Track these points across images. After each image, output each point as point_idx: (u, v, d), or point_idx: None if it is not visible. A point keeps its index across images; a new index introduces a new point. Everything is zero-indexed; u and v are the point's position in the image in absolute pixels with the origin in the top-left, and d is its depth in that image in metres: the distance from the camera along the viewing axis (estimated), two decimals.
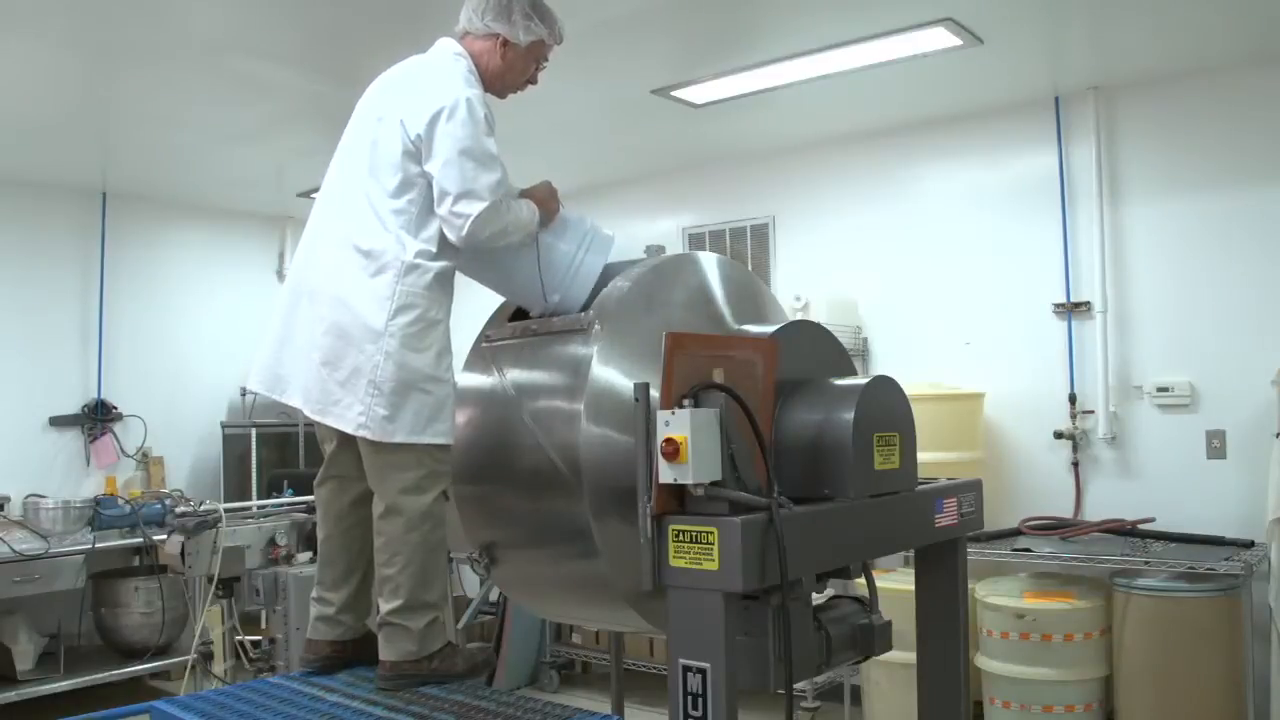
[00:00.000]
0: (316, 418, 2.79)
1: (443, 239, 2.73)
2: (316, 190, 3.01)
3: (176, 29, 4.24)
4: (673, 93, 5.15)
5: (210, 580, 4.33)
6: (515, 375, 2.73)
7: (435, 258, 2.73)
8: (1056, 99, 5.34)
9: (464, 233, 2.65)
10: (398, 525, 2.75)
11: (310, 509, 4.78)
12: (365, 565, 2.97)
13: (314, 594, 3.04)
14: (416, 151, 2.70)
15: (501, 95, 2.96)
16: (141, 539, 5.60)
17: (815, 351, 2.69)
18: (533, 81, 2.99)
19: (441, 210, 2.67)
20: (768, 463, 2.15)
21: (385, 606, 2.78)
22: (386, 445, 2.72)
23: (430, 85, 2.75)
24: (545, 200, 2.84)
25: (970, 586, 3.30)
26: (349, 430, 2.74)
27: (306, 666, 3.01)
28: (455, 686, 2.77)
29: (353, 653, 3.00)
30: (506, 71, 2.89)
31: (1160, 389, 5.01)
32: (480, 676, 2.90)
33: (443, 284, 2.76)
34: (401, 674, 2.77)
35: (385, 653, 2.78)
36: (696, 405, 2.04)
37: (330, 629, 3.00)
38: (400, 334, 2.68)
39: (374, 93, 2.91)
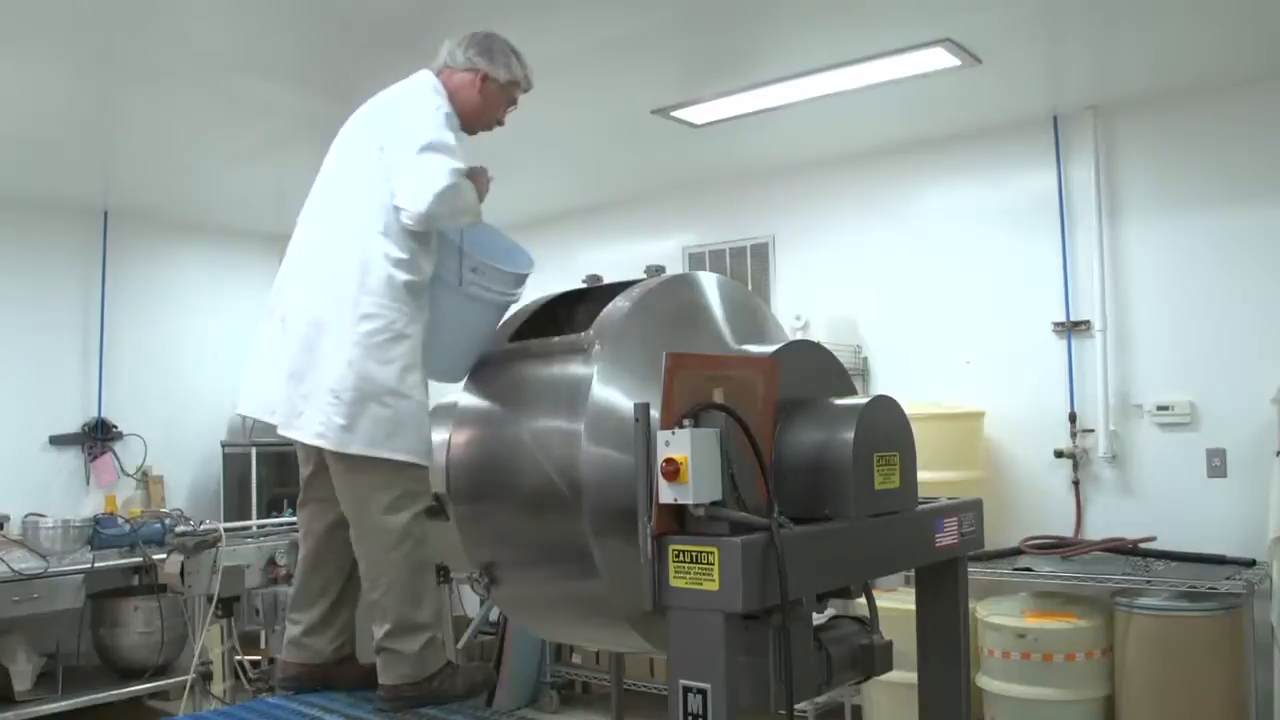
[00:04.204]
0: (283, 431, 2.81)
1: (416, 252, 2.75)
2: None
3: (178, 48, 4.26)
4: (673, 113, 5.17)
5: (210, 600, 4.31)
6: (515, 395, 2.73)
7: (406, 268, 2.74)
8: (1055, 118, 5.36)
9: (423, 209, 2.67)
10: (374, 546, 2.76)
11: None
12: (337, 591, 2.98)
13: (288, 614, 3.06)
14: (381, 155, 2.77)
15: (471, 132, 3.02)
16: (141, 558, 5.58)
17: (815, 371, 2.69)
18: (500, 123, 3.08)
19: (401, 191, 2.70)
20: (768, 483, 2.15)
21: (376, 633, 2.78)
22: (358, 465, 2.72)
23: (406, 113, 2.82)
24: (481, 187, 2.90)
25: (971, 606, 3.29)
26: (308, 440, 2.75)
27: (279, 685, 3.02)
28: (455, 707, 2.77)
29: (322, 676, 3.00)
30: (484, 106, 2.97)
31: (1160, 407, 5.01)
32: (481, 696, 2.89)
33: (415, 296, 2.77)
34: (400, 696, 2.77)
35: (383, 677, 2.78)
36: (697, 425, 2.04)
37: (296, 652, 3.00)
38: (363, 343, 2.69)
39: (353, 123, 2.97)
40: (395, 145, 2.75)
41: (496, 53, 2.95)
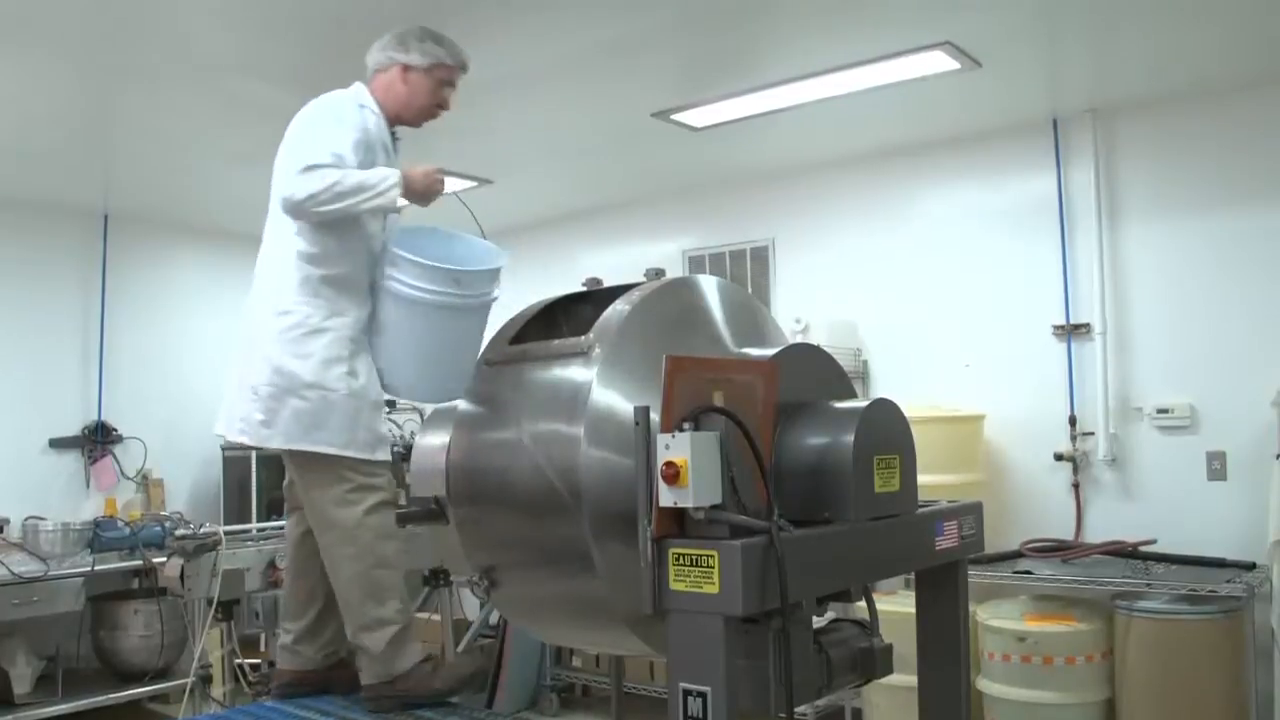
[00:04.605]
0: (226, 433, 2.89)
1: (330, 245, 2.81)
2: None
3: (178, 51, 4.27)
4: (673, 116, 5.18)
5: (210, 603, 4.31)
6: (515, 398, 2.72)
7: (319, 263, 2.79)
8: (1055, 121, 5.36)
9: (286, 191, 2.74)
10: (330, 542, 2.79)
11: None
12: (323, 598, 3.00)
13: (280, 622, 3.08)
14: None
15: (415, 124, 3.08)
16: (141, 561, 5.58)
17: (815, 374, 2.69)
18: (443, 106, 3.09)
19: (274, 184, 2.80)
20: (768, 486, 2.14)
21: (347, 631, 2.80)
22: (308, 463, 2.78)
23: (299, 118, 2.95)
24: (417, 181, 2.86)
25: (971, 609, 3.29)
26: (232, 436, 2.86)
27: (274, 691, 3.03)
28: (452, 709, 2.77)
29: (316, 681, 3.01)
30: (412, 95, 3.01)
31: (1160, 410, 5.01)
32: (469, 690, 2.88)
33: (336, 290, 2.80)
34: (379, 695, 2.77)
35: (363, 677, 2.79)
36: (697, 428, 2.04)
37: (290, 658, 3.02)
38: (280, 339, 2.77)
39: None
40: (286, 147, 2.87)
41: (410, 40, 3.00)
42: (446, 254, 2.91)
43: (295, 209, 2.75)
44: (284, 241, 2.84)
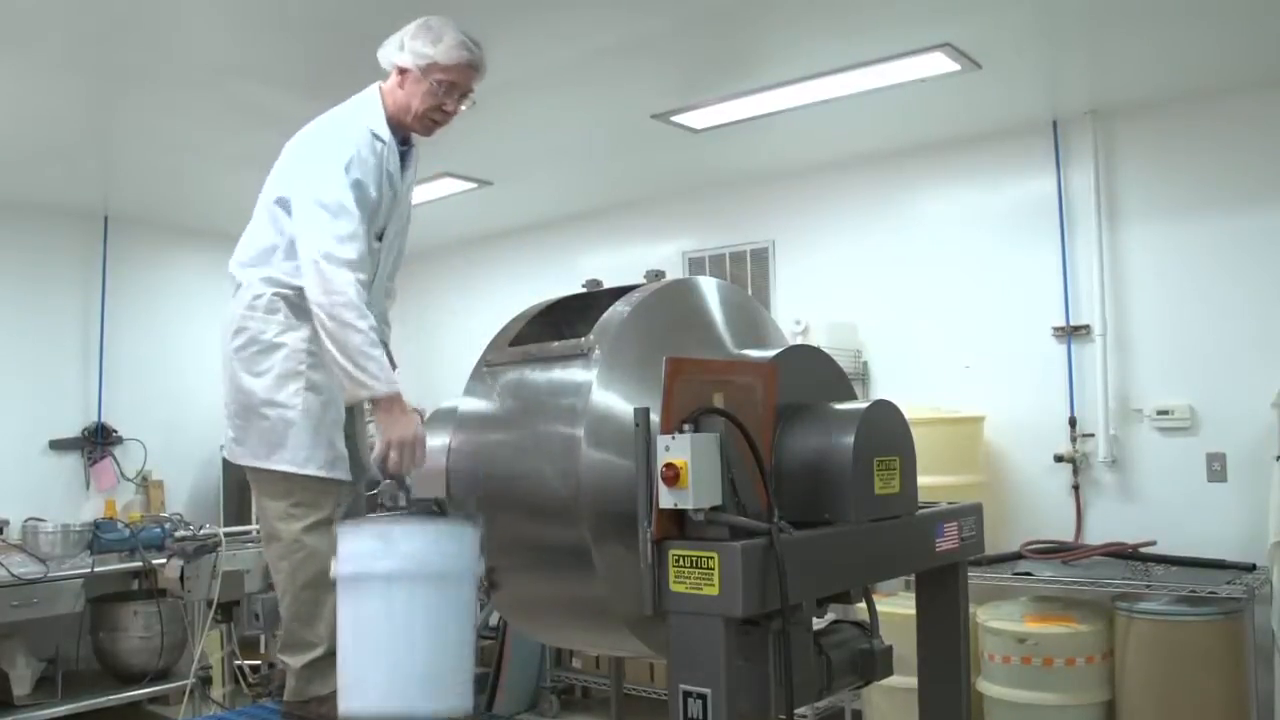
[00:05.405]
0: (224, 453, 2.98)
1: (286, 266, 2.81)
2: None
3: (180, 53, 4.27)
4: (672, 118, 5.18)
5: (209, 604, 4.31)
6: (515, 399, 2.72)
7: (271, 282, 2.79)
8: (1055, 123, 5.36)
9: (321, 281, 2.61)
10: (271, 555, 2.79)
11: None
12: None
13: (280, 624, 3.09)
14: (287, 200, 2.81)
15: (422, 132, 2.95)
16: (141, 563, 5.58)
17: (815, 375, 2.69)
18: (447, 109, 2.92)
19: (304, 265, 2.68)
20: (768, 487, 2.14)
21: (276, 645, 2.81)
22: (255, 475, 2.79)
23: (305, 170, 2.83)
24: (396, 424, 2.62)
25: (971, 610, 3.29)
26: (225, 455, 2.95)
27: (276, 692, 3.03)
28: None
29: None
30: (409, 100, 2.87)
31: (1160, 412, 5.01)
32: None
33: (288, 305, 2.81)
34: (290, 714, 2.74)
35: (285, 692, 2.79)
36: (697, 430, 2.04)
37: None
38: (237, 357, 2.81)
39: (284, 151, 3.02)
40: (294, 210, 2.77)
41: (405, 39, 2.86)
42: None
43: (316, 298, 2.62)
44: (242, 270, 2.89)
